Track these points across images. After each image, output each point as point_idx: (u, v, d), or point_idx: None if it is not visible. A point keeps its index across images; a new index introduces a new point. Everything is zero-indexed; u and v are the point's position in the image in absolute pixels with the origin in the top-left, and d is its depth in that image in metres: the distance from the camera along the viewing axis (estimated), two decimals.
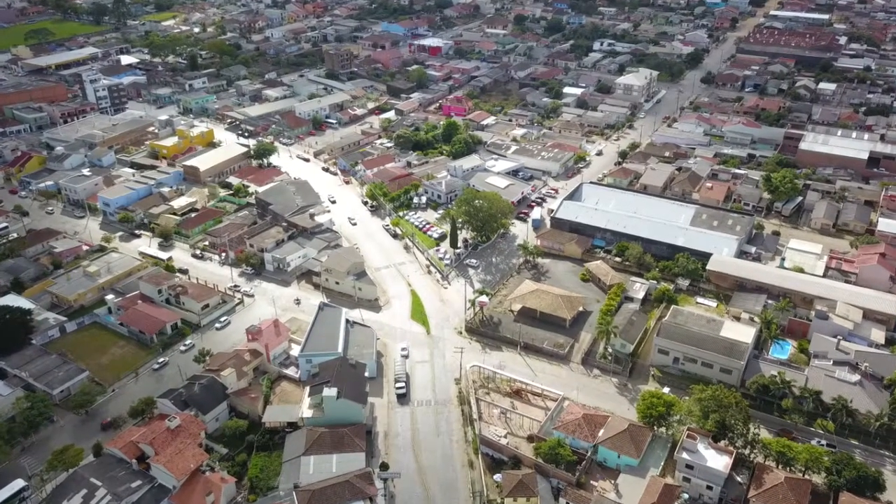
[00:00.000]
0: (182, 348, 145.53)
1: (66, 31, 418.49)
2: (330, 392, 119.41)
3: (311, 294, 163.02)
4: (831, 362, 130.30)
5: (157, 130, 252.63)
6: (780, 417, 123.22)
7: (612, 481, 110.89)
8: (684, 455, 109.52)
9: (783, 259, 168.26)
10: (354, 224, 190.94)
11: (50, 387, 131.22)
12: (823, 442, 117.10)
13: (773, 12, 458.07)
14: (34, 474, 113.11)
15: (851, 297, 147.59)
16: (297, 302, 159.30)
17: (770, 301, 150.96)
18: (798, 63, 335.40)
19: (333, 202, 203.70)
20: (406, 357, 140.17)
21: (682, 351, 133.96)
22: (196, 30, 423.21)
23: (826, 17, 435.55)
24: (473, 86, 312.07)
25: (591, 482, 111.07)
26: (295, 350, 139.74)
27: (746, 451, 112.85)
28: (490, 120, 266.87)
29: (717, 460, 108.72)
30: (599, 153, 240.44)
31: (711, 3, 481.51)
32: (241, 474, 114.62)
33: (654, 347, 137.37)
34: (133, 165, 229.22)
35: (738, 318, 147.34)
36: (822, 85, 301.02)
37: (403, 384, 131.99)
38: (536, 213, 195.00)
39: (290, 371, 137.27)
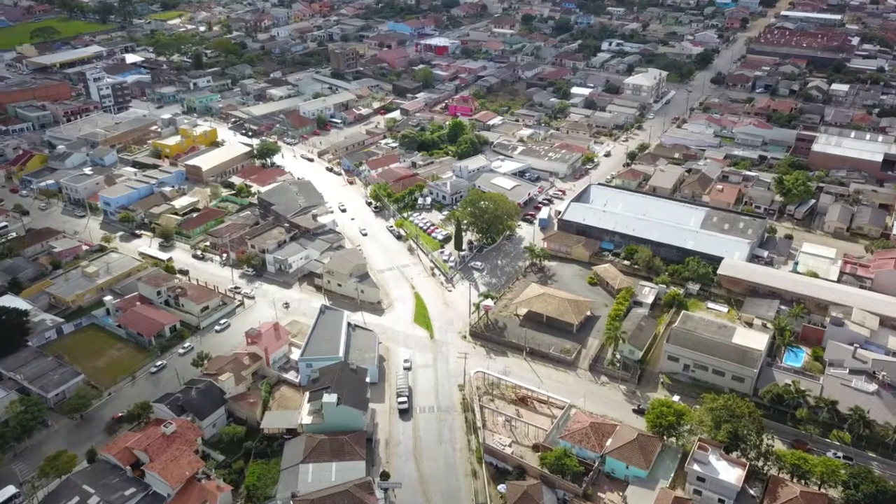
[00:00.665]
0: (181, 351, 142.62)
1: (72, 30, 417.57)
2: (330, 398, 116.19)
3: (312, 296, 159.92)
4: (847, 371, 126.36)
5: (159, 129, 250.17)
6: (794, 428, 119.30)
7: (621, 493, 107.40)
8: (695, 467, 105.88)
9: (796, 263, 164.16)
10: (365, 234, 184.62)
11: (45, 390, 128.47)
12: (840, 454, 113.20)
13: (784, 12, 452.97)
14: (25, 481, 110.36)
15: (867, 303, 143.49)
16: (286, 306, 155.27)
17: (783, 307, 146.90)
18: (810, 64, 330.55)
19: (343, 210, 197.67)
20: (409, 369, 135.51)
21: (693, 358, 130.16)
22: (202, 28, 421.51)
23: (838, 17, 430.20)
24: (480, 86, 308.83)
25: (599, 494, 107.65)
26: (295, 354, 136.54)
27: (760, 464, 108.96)
28: (496, 120, 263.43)
29: (730, 473, 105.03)
30: (608, 154, 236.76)
31: (721, 4, 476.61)
32: (238, 482, 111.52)
33: (664, 354, 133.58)
34: (135, 164, 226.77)
35: (750, 324, 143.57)
36: (835, 86, 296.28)
37: (406, 399, 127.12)
38: (544, 212, 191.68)
39: (290, 375, 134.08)
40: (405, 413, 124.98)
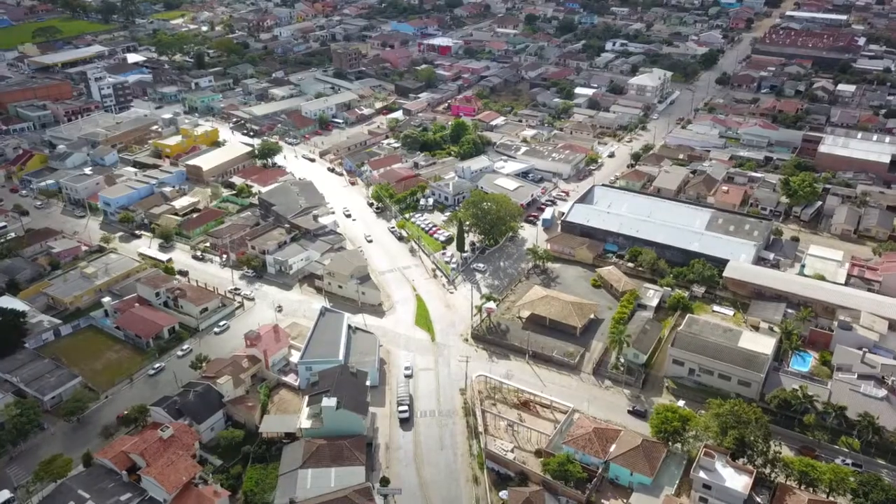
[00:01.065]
0: (179, 353, 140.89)
1: (75, 30, 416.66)
2: (329, 402, 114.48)
3: (313, 298, 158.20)
4: (856, 376, 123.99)
5: (160, 129, 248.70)
6: (802, 434, 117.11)
7: (625, 501, 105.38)
8: (701, 474, 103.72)
9: (803, 266, 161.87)
10: (371, 241, 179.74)
11: (41, 393, 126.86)
12: (849, 461, 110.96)
13: (789, 13, 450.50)
14: (20, 485, 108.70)
15: (876, 306, 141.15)
16: (280, 309, 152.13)
17: (790, 310, 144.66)
18: (815, 64, 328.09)
19: (349, 216, 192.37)
20: (410, 377, 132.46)
21: (698, 362, 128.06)
22: (204, 28, 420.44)
23: (843, 17, 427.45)
24: (483, 86, 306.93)
25: (602, 501, 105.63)
26: (295, 356, 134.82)
27: (767, 471, 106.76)
28: (499, 120, 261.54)
29: (736, 480, 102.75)
30: (611, 155, 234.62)
31: (726, 4, 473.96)
32: (236, 487, 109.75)
33: (669, 358, 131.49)
34: (135, 164, 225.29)
35: (756, 328, 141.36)
36: (841, 86, 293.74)
37: (407, 408, 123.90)
38: (548, 212, 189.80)
39: (290, 378, 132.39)
40: (406, 422, 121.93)
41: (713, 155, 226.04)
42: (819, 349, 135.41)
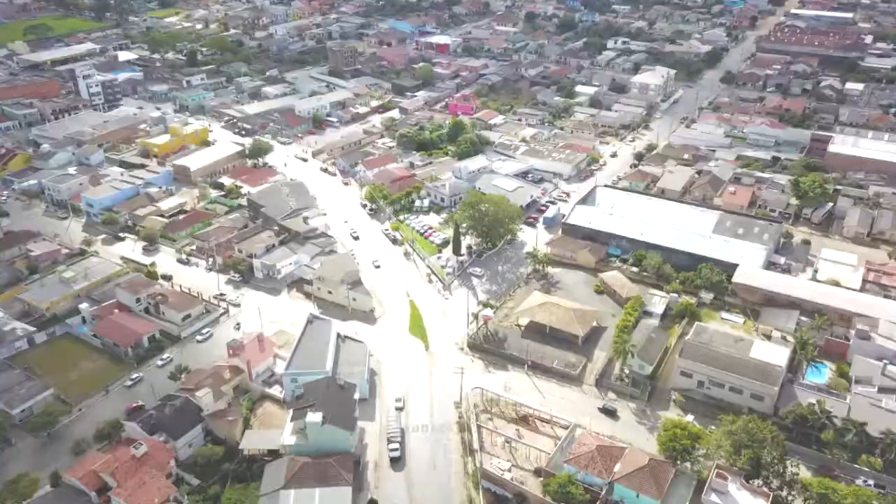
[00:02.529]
0: (159, 363, 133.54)
1: (67, 27, 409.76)
2: (314, 417, 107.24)
3: (301, 304, 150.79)
4: (876, 389, 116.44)
5: (148, 128, 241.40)
6: (819, 452, 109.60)
7: None
8: (713, 497, 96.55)
9: (816, 271, 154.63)
10: (378, 266, 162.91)
11: (9, 406, 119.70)
12: (871, 482, 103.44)
13: (794, 11, 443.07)
14: None
15: (895, 314, 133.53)
16: (238, 327, 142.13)
17: (803, 318, 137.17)
18: (822, 62, 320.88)
19: (356, 238, 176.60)
20: (401, 409, 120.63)
21: (708, 374, 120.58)
22: (198, 26, 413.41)
23: (849, 15, 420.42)
24: (482, 84, 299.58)
25: None
26: (280, 367, 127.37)
27: (783, 493, 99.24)
28: (498, 119, 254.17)
29: None
30: (614, 155, 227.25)
31: (729, 2, 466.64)
32: None
33: (676, 369, 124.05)
34: (122, 164, 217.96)
35: (768, 337, 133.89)
36: (849, 85, 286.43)
37: (398, 445, 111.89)
38: (550, 211, 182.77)
39: (275, 390, 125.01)
40: (397, 462, 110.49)
41: (719, 155, 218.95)
42: (836, 360, 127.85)
